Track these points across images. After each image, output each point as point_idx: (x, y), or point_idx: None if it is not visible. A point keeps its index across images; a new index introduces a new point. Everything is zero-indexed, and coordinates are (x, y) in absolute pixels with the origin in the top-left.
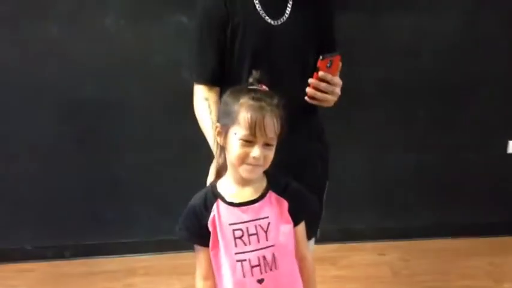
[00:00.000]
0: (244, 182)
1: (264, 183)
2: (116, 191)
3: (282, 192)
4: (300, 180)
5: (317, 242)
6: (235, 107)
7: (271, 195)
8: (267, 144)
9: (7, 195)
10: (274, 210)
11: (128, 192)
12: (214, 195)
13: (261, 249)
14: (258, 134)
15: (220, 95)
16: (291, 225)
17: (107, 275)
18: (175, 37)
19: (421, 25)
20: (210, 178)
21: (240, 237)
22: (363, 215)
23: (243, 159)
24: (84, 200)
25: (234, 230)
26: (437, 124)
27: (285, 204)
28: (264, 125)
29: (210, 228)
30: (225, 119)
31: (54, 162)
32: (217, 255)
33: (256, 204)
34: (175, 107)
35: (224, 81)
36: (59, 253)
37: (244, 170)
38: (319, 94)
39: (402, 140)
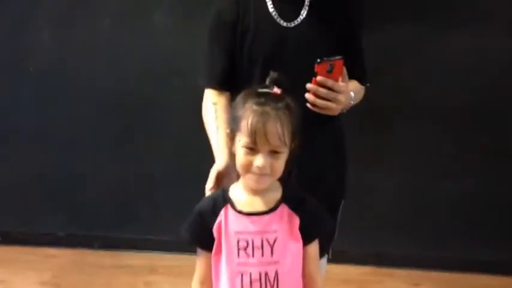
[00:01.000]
0: (255, 191)
1: (278, 195)
2: (150, 189)
3: (295, 207)
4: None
5: (348, 262)
6: (241, 112)
7: (284, 209)
8: (274, 152)
9: (46, 183)
10: (284, 226)
11: (161, 190)
12: (224, 200)
13: (264, 264)
14: (258, 141)
15: (232, 100)
16: (300, 244)
17: (129, 270)
18: None
19: (477, 43)
20: (209, 184)
21: (244, 248)
22: (400, 240)
23: (247, 168)
24: (118, 194)
25: (239, 239)
26: (486, 149)
27: (297, 221)
28: (265, 132)
29: (215, 234)
30: (233, 125)
31: (93, 155)
32: (218, 262)
33: (266, 216)
34: None
35: (235, 86)
36: (89, 243)
37: (249, 180)
38: (319, 101)
39: (449, 163)
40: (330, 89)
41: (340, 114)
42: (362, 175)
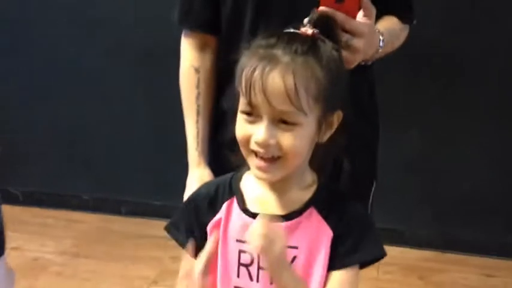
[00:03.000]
0: (273, 184)
1: (307, 194)
2: (184, 152)
3: (328, 214)
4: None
5: (408, 245)
6: (243, 59)
7: (312, 216)
8: (283, 122)
9: (73, 143)
10: (309, 239)
11: None
12: (231, 190)
13: None
14: (255, 101)
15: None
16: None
17: (157, 241)
18: None
19: None
20: (187, 194)
21: (247, 266)
22: (474, 222)
23: (246, 145)
24: (150, 157)
25: (240, 252)
26: None
27: (330, 235)
28: (263, 87)
29: (210, 236)
30: (237, 81)
31: (124, 115)
32: (212, 281)
33: (283, 224)
34: None
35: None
36: (116, 208)
37: (252, 164)
38: None
39: None
40: (341, 28)
41: (367, 65)
42: (435, 147)
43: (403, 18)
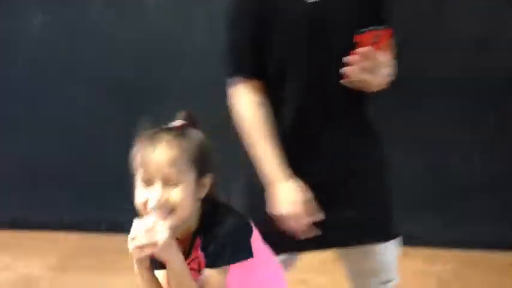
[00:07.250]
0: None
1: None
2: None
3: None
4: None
5: None
6: (136, 145)
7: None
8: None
9: (50, 167)
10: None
11: None
12: None
13: None
14: (148, 173)
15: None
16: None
17: None
18: (219, 18)
19: (497, 11)
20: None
21: None
22: (415, 216)
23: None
24: (126, 176)
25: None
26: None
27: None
28: (153, 160)
29: None
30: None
31: (97, 138)
32: None
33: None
34: (211, 89)
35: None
36: (95, 226)
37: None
38: (361, 75)
39: (469, 141)
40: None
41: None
42: None
43: None
